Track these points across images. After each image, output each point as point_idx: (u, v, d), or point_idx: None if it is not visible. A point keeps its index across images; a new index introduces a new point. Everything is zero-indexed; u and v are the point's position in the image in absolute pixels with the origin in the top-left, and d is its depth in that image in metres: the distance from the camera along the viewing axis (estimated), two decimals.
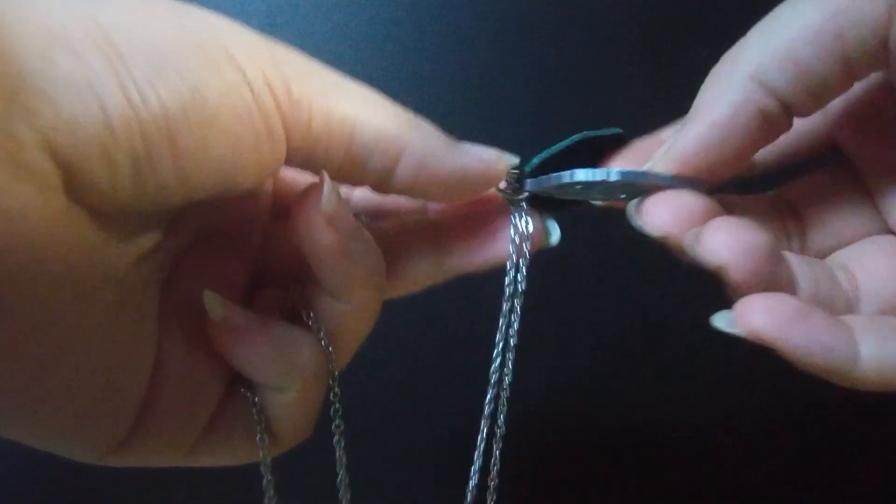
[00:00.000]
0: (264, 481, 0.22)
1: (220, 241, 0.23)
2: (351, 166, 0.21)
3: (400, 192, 0.22)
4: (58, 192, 0.17)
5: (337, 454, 0.24)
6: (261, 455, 0.22)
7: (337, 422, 0.24)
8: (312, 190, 0.21)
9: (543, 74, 0.47)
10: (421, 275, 0.25)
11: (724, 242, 0.21)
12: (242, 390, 0.22)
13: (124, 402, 0.20)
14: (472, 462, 0.24)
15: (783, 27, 0.21)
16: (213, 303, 0.21)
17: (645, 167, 0.23)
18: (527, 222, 0.24)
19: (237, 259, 0.24)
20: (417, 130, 0.22)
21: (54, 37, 0.16)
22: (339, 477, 0.24)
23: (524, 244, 0.24)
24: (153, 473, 0.47)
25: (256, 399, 0.22)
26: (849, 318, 0.21)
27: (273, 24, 0.46)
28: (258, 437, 0.22)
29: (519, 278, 0.24)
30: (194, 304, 0.21)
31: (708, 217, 0.22)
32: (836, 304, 0.22)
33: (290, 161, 0.20)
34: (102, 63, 0.16)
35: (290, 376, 0.21)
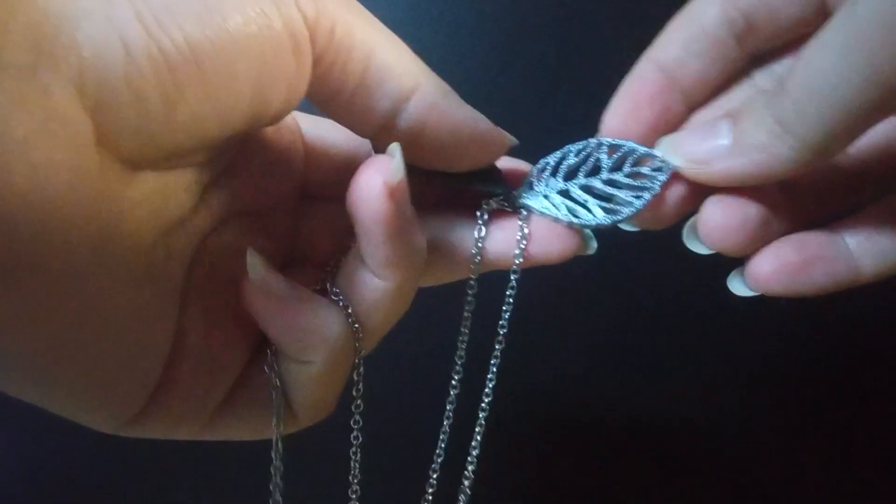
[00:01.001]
0: (272, 466, 0.22)
1: (248, 223, 0.23)
2: (366, 90, 0.21)
3: (406, 134, 0.22)
4: (88, 144, 0.16)
5: (352, 440, 0.23)
6: (274, 433, 0.21)
7: (357, 401, 0.23)
8: (377, 161, 0.21)
9: (543, 74, 0.47)
10: (447, 268, 0.25)
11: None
12: (265, 367, 0.22)
13: (144, 374, 0.20)
14: (436, 456, 0.25)
15: (833, 104, 0.19)
16: (255, 263, 0.21)
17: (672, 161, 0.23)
18: (522, 228, 0.24)
19: (265, 240, 0.24)
20: (433, 75, 0.22)
21: None
22: (353, 462, 0.23)
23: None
24: (153, 474, 0.47)
25: (276, 374, 0.22)
26: (842, 229, 0.22)
27: None
28: (274, 413, 0.22)
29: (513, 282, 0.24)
30: (218, 281, 0.21)
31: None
32: None
33: (315, 85, 0.20)
34: None
35: (318, 349, 0.21)
